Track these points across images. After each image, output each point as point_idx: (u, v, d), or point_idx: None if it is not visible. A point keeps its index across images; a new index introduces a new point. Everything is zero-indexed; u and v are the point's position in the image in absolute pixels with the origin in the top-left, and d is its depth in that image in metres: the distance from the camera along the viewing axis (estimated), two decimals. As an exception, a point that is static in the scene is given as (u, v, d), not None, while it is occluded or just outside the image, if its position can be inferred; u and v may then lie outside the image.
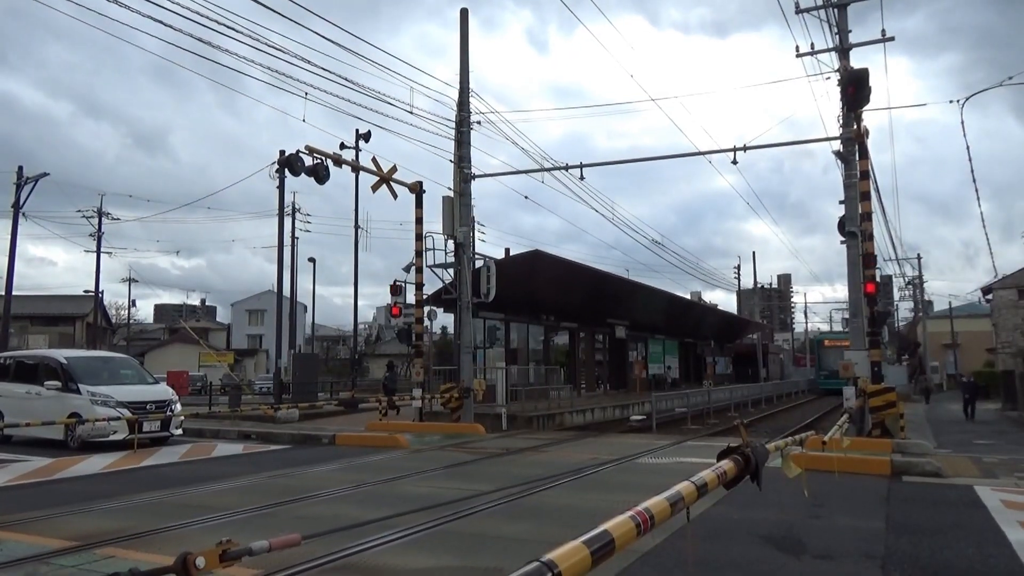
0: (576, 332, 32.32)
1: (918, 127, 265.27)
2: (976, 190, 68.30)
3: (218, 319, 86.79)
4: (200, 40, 13.04)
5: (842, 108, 15.60)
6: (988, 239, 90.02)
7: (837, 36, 16.14)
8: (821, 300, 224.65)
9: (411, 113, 17.36)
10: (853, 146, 15.18)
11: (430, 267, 18.93)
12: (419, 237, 18.59)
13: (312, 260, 44.41)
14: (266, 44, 14.03)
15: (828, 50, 16.44)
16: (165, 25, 12.27)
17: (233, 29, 13.15)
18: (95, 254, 41.83)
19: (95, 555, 5.75)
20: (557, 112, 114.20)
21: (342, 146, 26.43)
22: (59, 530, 6.77)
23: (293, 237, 35.78)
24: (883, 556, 5.77)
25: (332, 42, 15.12)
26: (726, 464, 3.22)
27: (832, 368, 46.77)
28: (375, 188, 17.89)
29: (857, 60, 15.83)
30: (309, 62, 15.03)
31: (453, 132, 18.86)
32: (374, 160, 17.73)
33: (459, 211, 18.58)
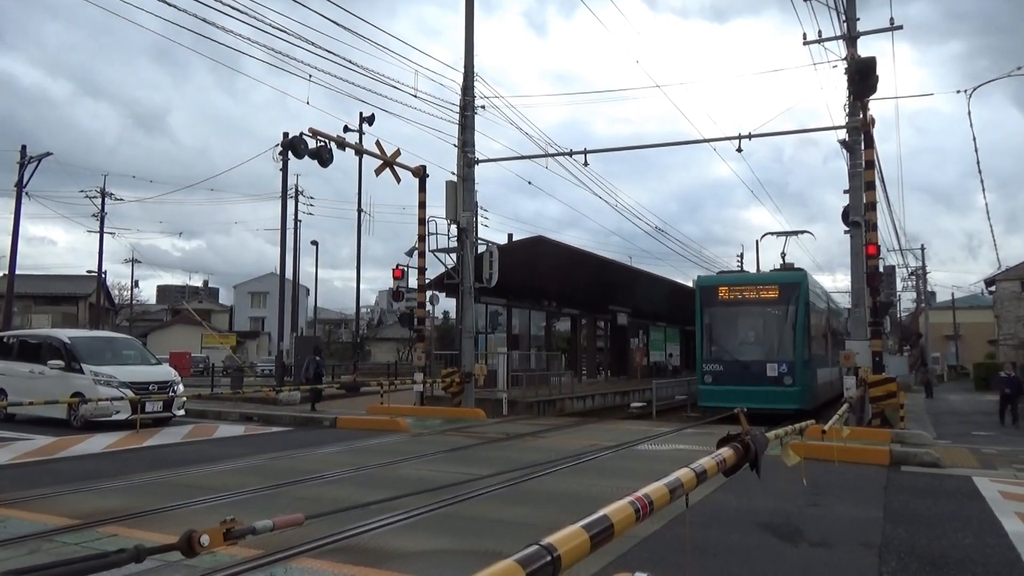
0: (578, 318, 32.35)
1: (920, 116, 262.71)
2: (982, 181, 67.99)
3: (220, 301, 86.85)
4: (204, 20, 13.00)
5: (848, 97, 15.52)
6: (992, 230, 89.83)
7: (845, 24, 16.01)
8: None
9: (415, 96, 17.33)
10: (859, 135, 15.11)
11: (433, 251, 18.96)
12: (422, 221, 18.58)
13: (315, 243, 44.24)
14: (266, 24, 13.98)
15: (836, 38, 16.29)
16: (167, 4, 12.22)
17: (232, 7, 13.10)
18: (98, 234, 41.88)
19: (98, 533, 5.79)
20: (557, 97, 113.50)
21: (346, 129, 26.50)
22: (62, 508, 6.82)
23: (296, 220, 35.83)
24: (880, 545, 5.80)
25: (333, 22, 15.14)
26: (725, 452, 3.24)
27: (734, 356, 21.67)
28: (379, 172, 17.85)
29: (861, 47, 15.72)
30: (311, 43, 14.96)
31: (456, 116, 18.80)
32: (378, 143, 17.69)
33: (462, 196, 18.55)
